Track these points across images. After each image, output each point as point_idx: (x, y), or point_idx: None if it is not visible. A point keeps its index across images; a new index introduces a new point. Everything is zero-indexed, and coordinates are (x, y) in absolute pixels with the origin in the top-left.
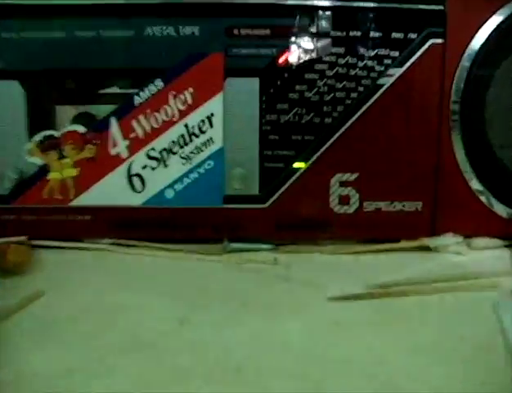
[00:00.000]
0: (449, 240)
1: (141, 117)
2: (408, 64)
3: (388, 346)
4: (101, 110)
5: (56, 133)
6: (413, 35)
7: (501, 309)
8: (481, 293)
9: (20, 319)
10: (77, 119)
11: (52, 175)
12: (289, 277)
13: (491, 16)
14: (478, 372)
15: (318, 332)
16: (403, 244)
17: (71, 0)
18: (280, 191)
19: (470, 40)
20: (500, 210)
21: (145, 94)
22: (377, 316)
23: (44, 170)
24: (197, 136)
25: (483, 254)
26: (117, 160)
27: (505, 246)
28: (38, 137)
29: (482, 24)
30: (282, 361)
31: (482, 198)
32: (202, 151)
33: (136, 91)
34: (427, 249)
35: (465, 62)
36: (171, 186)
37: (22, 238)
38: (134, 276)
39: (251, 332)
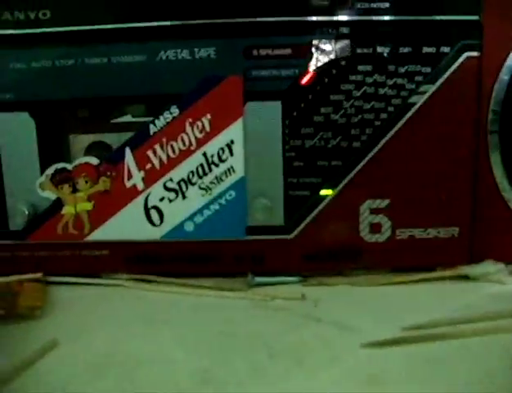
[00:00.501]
0: (489, 267)
1: (157, 146)
2: (441, 80)
3: None
4: (116, 139)
5: (68, 166)
6: (446, 49)
7: None
8: None
9: (28, 380)
10: (91, 149)
11: (66, 210)
12: (318, 317)
13: None
14: None
15: (352, 389)
16: (439, 273)
17: (79, 26)
18: (306, 221)
19: (509, 52)
20: None
21: (160, 122)
22: (415, 366)
23: (58, 205)
24: (217, 165)
25: None
26: (133, 193)
27: None
28: (50, 170)
29: None
30: None
31: None
32: (222, 180)
33: (151, 119)
34: (465, 278)
35: (504, 76)
36: (190, 218)
37: (37, 275)
38: (153, 317)
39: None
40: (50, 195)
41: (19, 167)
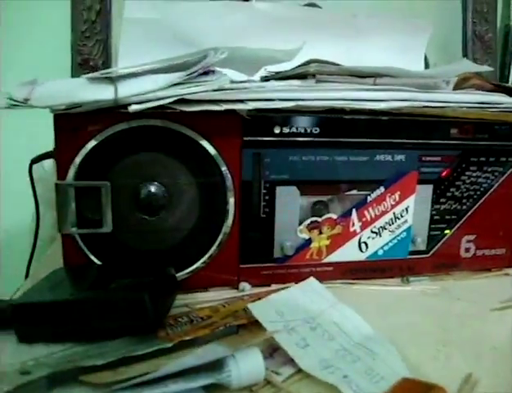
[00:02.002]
0: None
1: (370, 209)
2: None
3: None
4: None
5: (319, 219)
6: (510, 158)
7: None
8: None
9: None
10: (316, 204)
11: (314, 245)
12: (456, 297)
13: None
14: None
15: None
16: (496, 273)
17: (333, 138)
18: (436, 247)
19: None
20: None
21: (373, 195)
22: None
23: (309, 242)
24: (399, 219)
25: None
26: (353, 234)
27: None
28: (308, 221)
29: None
30: None
31: None
32: (400, 227)
33: (368, 193)
34: (508, 274)
35: None
36: (382, 247)
37: None
38: (376, 303)
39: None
40: (305, 236)
41: (285, 223)
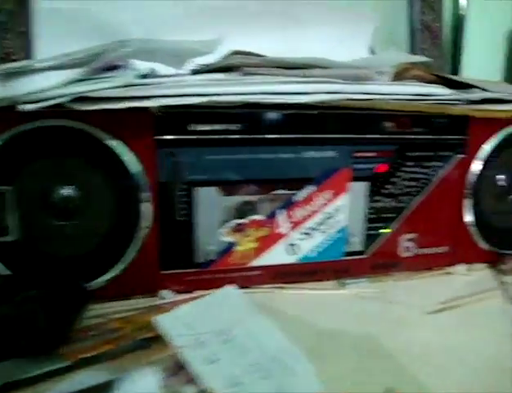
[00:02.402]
0: (461, 268)
1: (299, 209)
2: (447, 169)
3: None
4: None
5: (243, 221)
6: (448, 153)
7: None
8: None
9: None
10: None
11: (239, 248)
12: (392, 300)
13: (487, 142)
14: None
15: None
16: (437, 272)
17: (257, 135)
18: (374, 247)
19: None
20: (485, 245)
21: (302, 194)
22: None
23: (233, 245)
24: (331, 218)
25: (479, 274)
26: (281, 236)
27: (488, 267)
28: (231, 223)
29: (484, 145)
30: None
31: (478, 239)
32: (334, 227)
33: (296, 192)
34: (450, 273)
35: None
36: (314, 249)
37: None
38: (304, 309)
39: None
40: (228, 239)
41: (208, 225)
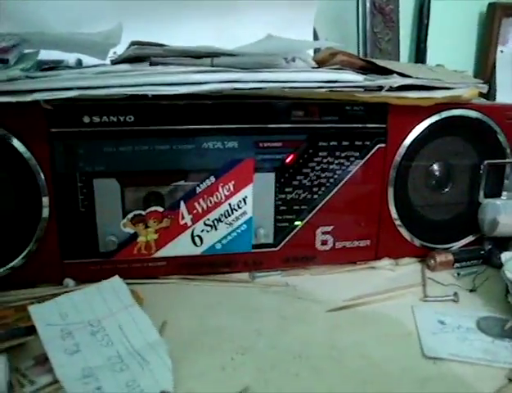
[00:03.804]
0: (385, 262)
1: (201, 200)
2: (365, 159)
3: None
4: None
5: (143, 212)
6: (368, 142)
7: (416, 311)
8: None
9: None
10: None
11: (140, 239)
12: (298, 295)
13: (410, 131)
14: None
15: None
16: (360, 266)
17: (152, 126)
18: (286, 239)
19: (400, 145)
20: (415, 241)
21: (203, 185)
22: (353, 319)
23: (135, 236)
24: (236, 210)
25: (405, 269)
26: (184, 228)
27: (418, 262)
28: (131, 215)
29: (407, 135)
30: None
31: (405, 233)
32: (239, 219)
33: (197, 183)
34: (373, 268)
35: (397, 157)
36: (219, 241)
37: None
38: (202, 302)
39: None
40: (130, 230)
41: (108, 214)
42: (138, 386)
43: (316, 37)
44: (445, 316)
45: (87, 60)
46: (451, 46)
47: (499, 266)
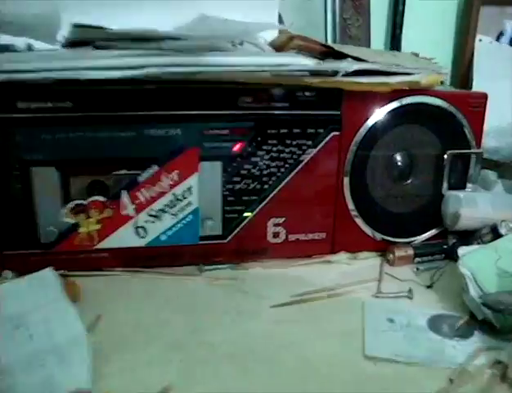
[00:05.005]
0: (342, 256)
1: (144, 190)
2: (319, 147)
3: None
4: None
5: (84, 202)
6: (321, 130)
7: (366, 308)
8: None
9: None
10: (92, 185)
11: (82, 229)
12: (245, 290)
13: (367, 119)
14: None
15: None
16: (315, 260)
17: (91, 112)
18: (235, 231)
19: (356, 133)
20: (374, 234)
21: (146, 174)
22: (301, 315)
23: (76, 226)
24: (181, 200)
25: (363, 263)
26: (127, 218)
27: (378, 256)
28: (71, 204)
29: (363, 123)
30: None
31: (363, 226)
32: (185, 209)
33: (139, 172)
34: (329, 262)
35: (353, 147)
36: (164, 232)
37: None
38: (144, 296)
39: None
40: (70, 220)
41: (48, 203)
42: (54, 383)
43: (281, 22)
44: (396, 313)
45: (39, 46)
46: (429, 34)
47: None
